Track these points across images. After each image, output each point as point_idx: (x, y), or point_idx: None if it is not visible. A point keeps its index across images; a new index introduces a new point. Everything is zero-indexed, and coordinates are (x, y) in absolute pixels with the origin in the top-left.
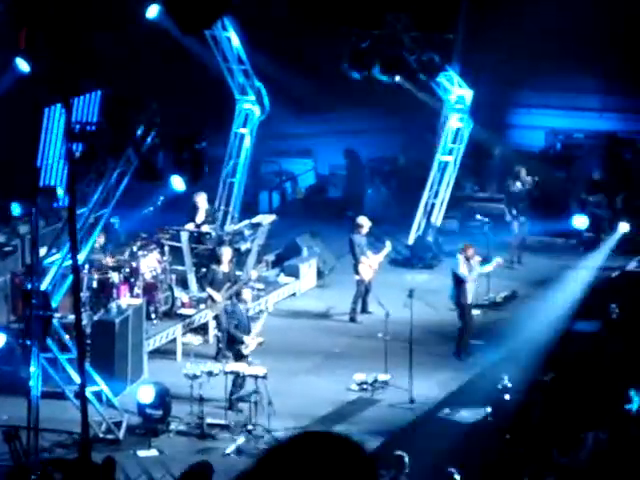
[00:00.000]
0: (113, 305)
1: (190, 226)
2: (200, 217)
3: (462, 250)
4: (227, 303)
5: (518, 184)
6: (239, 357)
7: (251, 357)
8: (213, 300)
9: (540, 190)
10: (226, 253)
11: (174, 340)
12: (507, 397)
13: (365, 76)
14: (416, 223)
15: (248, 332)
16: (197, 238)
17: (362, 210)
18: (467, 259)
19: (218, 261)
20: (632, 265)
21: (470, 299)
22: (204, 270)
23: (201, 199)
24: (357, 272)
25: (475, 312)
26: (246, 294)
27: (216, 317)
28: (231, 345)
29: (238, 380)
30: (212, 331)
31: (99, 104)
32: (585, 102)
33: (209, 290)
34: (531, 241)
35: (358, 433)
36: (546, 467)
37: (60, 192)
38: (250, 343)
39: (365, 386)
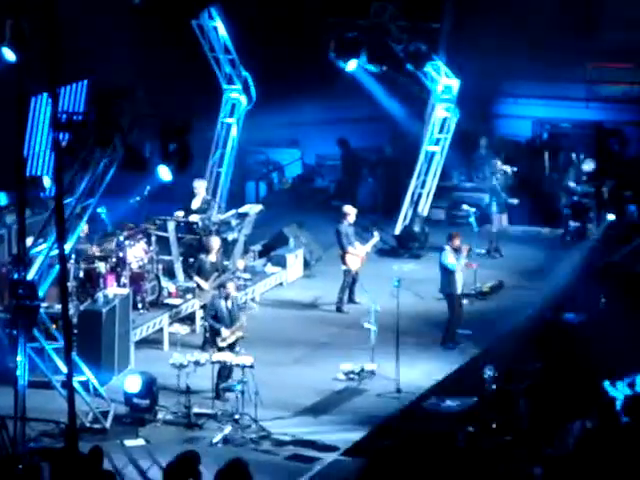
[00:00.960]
0: (100, 295)
1: (179, 214)
2: (196, 203)
3: (449, 240)
4: (215, 293)
5: (498, 175)
6: (218, 348)
7: (239, 347)
8: (201, 289)
9: (526, 180)
10: (215, 242)
11: (161, 330)
12: (493, 387)
13: (354, 65)
14: (403, 213)
15: (229, 324)
16: (184, 228)
17: (356, 200)
18: (454, 249)
19: (206, 250)
20: (618, 255)
21: (460, 289)
22: (191, 260)
23: (200, 185)
24: (344, 262)
25: (462, 302)
26: (230, 286)
27: (204, 306)
28: (211, 336)
29: (225, 370)
30: (199, 321)
31: (86, 93)
32: (571, 92)
33: (197, 279)
34: (517, 231)
35: (344, 422)
36: (533, 457)
37: (47, 182)
38: (228, 336)
39: (352, 376)
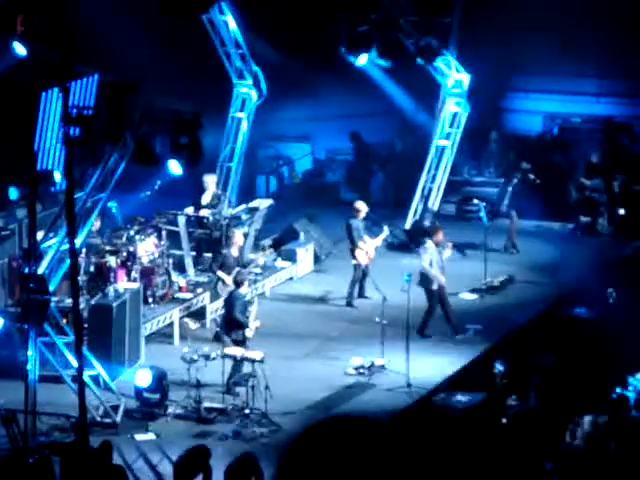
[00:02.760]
0: (110, 289)
1: (189, 210)
2: (206, 198)
3: (432, 234)
4: (231, 288)
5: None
6: (242, 342)
7: (249, 341)
8: (224, 283)
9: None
10: (238, 237)
11: (171, 324)
12: (504, 382)
13: (364, 60)
14: (413, 207)
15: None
16: (195, 222)
17: (368, 194)
18: (437, 244)
19: (229, 245)
20: (629, 249)
21: (435, 285)
22: (206, 254)
23: (210, 180)
24: (354, 257)
25: (472, 297)
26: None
27: (225, 300)
28: (237, 329)
29: (238, 364)
30: (209, 315)
31: (96, 88)
32: (582, 86)
33: (220, 273)
34: (528, 226)
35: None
36: (544, 452)
37: (58, 176)
38: (252, 326)
39: (362, 370)
